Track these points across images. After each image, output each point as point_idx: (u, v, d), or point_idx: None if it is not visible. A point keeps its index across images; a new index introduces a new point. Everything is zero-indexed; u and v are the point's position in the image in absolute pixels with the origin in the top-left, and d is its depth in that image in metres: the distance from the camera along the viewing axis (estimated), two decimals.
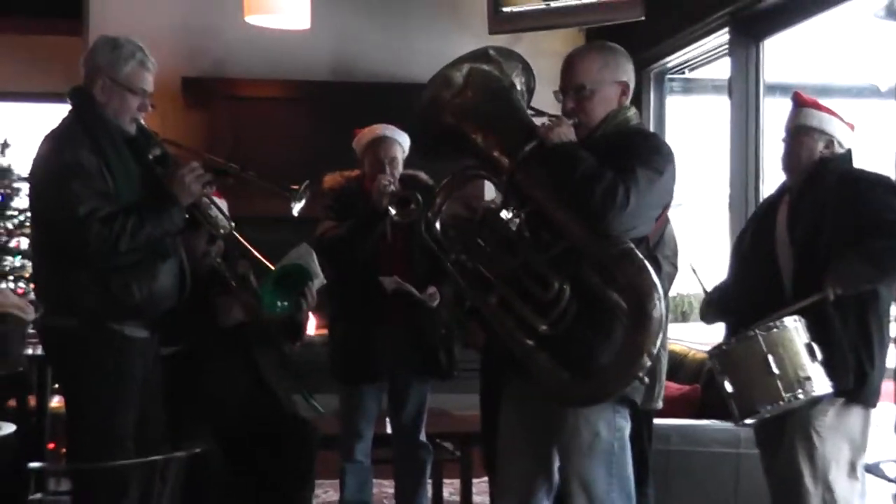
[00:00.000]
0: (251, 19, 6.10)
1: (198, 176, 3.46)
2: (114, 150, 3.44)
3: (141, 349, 3.54)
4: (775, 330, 3.40)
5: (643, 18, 5.89)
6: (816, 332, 3.43)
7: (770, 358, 3.38)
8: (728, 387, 3.48)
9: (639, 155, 2.97)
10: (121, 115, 3.48)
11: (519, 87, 3.14)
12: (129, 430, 3.49)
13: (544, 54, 4.44)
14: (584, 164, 2.91)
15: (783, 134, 3.73)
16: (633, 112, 3.17)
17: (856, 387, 3.47)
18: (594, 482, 3.03)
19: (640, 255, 2.90)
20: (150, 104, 3.53)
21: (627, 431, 3.11)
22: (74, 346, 3.50)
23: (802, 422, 3.50)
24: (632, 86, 3.16)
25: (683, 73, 6.64)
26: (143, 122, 3.59)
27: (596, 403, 2.99)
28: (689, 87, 6.82)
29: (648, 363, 2.85)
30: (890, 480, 3.15)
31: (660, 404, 4.15)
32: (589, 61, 3.12)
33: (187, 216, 3.52)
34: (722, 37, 5.75)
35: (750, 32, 5.54)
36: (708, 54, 6.19)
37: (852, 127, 3.70)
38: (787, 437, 3.54)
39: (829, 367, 3.42)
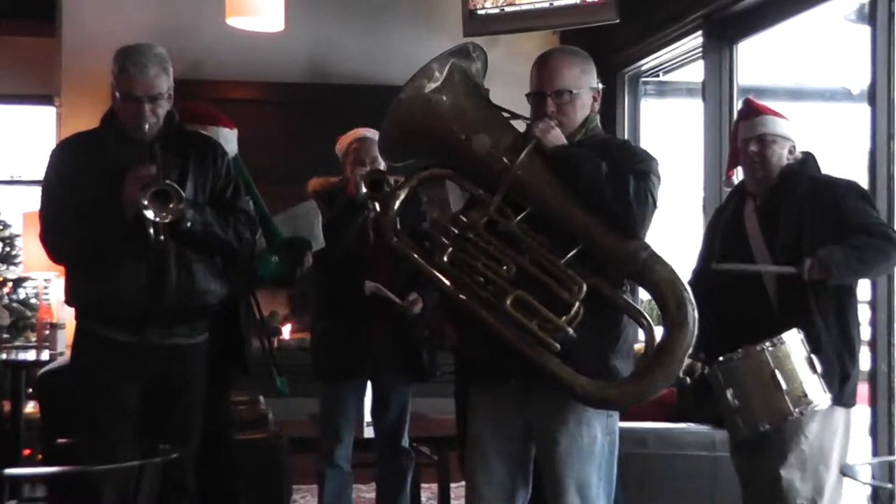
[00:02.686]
0: (233, 21, 6.08)
1: (135, 179, 3.36)
2: (105, 155, 3.46)
3: (121, 351, 3.51)
4: (780, 344, 3.42)
5: (617, 21, 5.92)
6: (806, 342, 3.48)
7: (778, 373, 3.41)
8: (732, 401, 3.49)
9: (643, 161, 3.02)
10: (126, 122, 3.49)
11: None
12: (109, 433, 3.47)
13: (519, 57, 4.46)
14: (599, 168, 2.91)
15: (746, 143, 3.72)
16: (598, 119, 3.21)
17: (839, 389, 3.52)
18: (589, 486, 3.04)
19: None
20: (150, 109, 3.44)
21: (616, 433, 3.13)
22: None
23: (791, 427, 3.51)
24: (601, 92, 3.21)
25: (657, 76, 6.67)
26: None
27: (639, 404, 3.02)
28: (663, 90, 6.85)
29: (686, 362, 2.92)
30: (864, 483, 3.18)
31: None
32: (570, 66, 3.11)
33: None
34: (695, 40, 5.78)
35: (723, 36, 5.58)
36: (682, 57, 6.22)
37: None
38: (774, 442, 3.56)
39: (821, 375, 3.46)
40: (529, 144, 2.93)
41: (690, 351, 2.94)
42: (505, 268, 2.91)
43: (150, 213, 3.30)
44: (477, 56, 3.07)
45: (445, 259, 2.95)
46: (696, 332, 2.92)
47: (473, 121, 3.00)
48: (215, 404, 3.93)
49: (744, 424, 3.50)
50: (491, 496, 3.11)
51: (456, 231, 2.94)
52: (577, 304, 2.88)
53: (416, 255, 3.00)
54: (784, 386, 3.41)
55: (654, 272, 2.91)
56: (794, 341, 3.44)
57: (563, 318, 2.89)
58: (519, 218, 2.93)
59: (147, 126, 3.45)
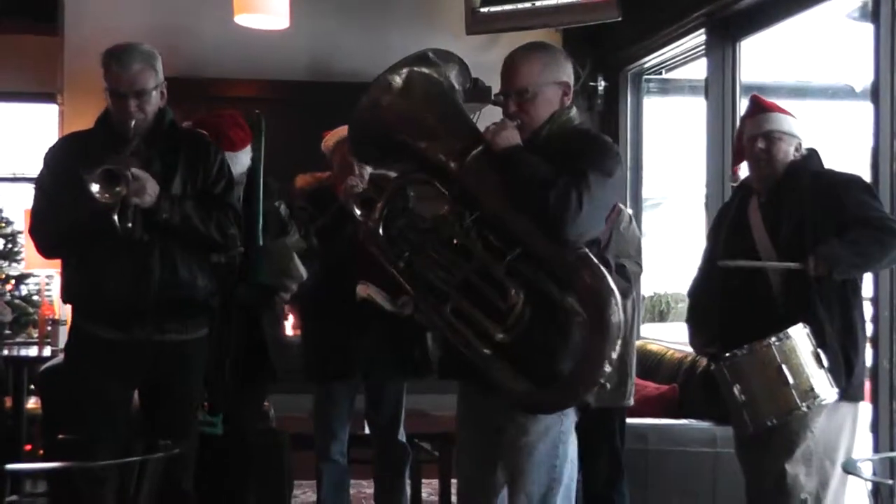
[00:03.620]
0: (240, 19, 6.08)
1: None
2: (91, 154, 3.45)
3: (110, 349, 3.50)
4: (786, 339, 3.44)
5: (620, 19, 5.91)
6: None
7: (784, 367, 3.42)
8: (739, 396, 3.50)
9: (588, 157, 2.94)
10: (118, 118, 3.51)
11: (458, 88, 3.11)
12: (92, 431, 3.46)
13: None
14: (535, 169, 2.89)
15: (753, 139, 3.74)
16: (574, 112, 3.13)
17: (846, 384, 3.53)
18: (534, 484, 3.01)
19: (596, 261, 2.88)
20: (136, 104, 3.47)
21: (572, 434, 3.09)
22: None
23: (798, 422, 3.52)
24: (572, 85, 3.13)
25: (660, 73, 6.66)
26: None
27: (562, 409, 2.99)
28: (666, 87, 6.85)
29: (609, 368, 2.84)
30: (865, 479, 3.18)
31: (631, 401, 4.17)
32: (530, 63, 3.08)
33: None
34: (698, 38, 5.78)
35: (726, 33, 5.58)
36: (684, 55, 6.22)
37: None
38: (779, 437, 3.56)
39: (828, 370, 3.47)
40: (477, 148, 2.94)
41: (618, 349, 2.87)
42: (451, 274, 2.95)
43: (94, 188, 3.28)
44: (441, 60, 3.07)
45: (402, 265, 3.01)
46: (622, 330, 2.86)
47: (432, 126, 3.02)
48: (239, 407, 3.95)
49: (751, 420, 3.50)
50: (467, 487, 3.21)
51: (412, 237, 3.01)
52: (516, 308, 2.87)
53: (388, 263, 3.05)
54: (791, 380, 3.42)
55: (579, 277, 2.87)
56: (800, 336, 3.45)
57: (507, 321, 2.88)
58: (469, 221, 2.94)
59: (133, 122, 3.46)
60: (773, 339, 3.44)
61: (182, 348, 3.60)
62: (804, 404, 3.43)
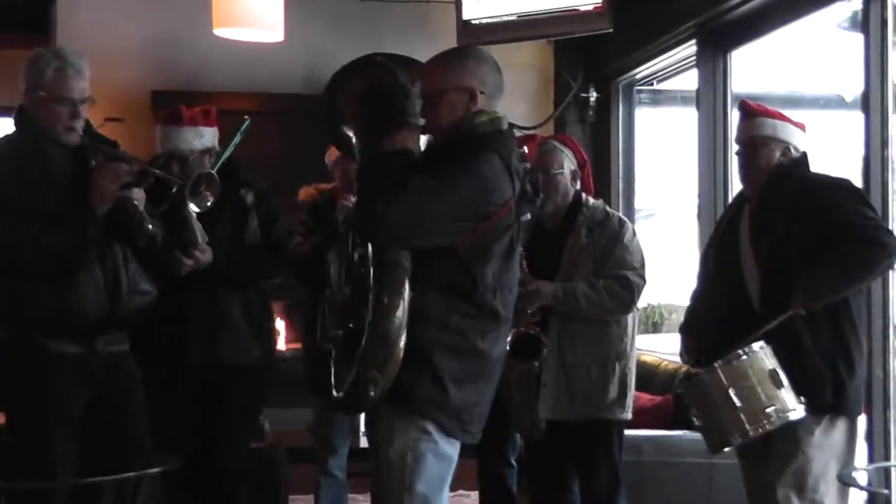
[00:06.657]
0: (220, 32, 6.08)
1: (113, 178, 3.38)
2: (37, 162, 3.42)
3: (74, 365, 3.46)
4: (736, 361, 3.37)
5: (611, 30, 5.93)
6: (788, 351, 3.41)
7: (731, 391, 3.35)
8: (696, 419, 3.49)
9: (431, 164, 2.89)
10: (51, 125, 3.45)
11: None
12: (56, 449, 3.42)
13: (513, 66, 4.47)
14: (385, 172, 2.83)
15: (737, 146, 3.75)
16: (485, 119, 2.96)
17: (835, 399, 3.46)
18: (388, 497, 2.99)
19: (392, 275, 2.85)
20: (82, 111, 3.45)
21: (428, 453, 2.98)
22: (2, 360, 3.54)
23: (790, 440, 3.47)
24: (482, 90, 2.97)
25: (651, 84, 6.68)
26: (85, 132, 3.54)
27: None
28: (658, 98, 6.86)
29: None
30: (862, 489, 3.17)
31: (629, 415, 4.17)
32: (434, 68, 3.01)
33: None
34: (689, 48, 5.80)
35: (717, 44, 5.59)
36: (676, 66, 6.24)
37: (803, 127, 3.73)
38: (773, 454, 3.52)
39: (805, 385, 3.40)
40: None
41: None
42: None
43: (195, 205, 3.45)
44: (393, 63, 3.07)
45: None
46: (395, 345, 2.87)
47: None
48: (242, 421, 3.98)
49: (708, 442, 3.50)
50: None
51: None
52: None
53: None
54: (738, 403, 3.35)
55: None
56: (754, 357, 3.38)
57: None
58: None
59: (78, 129, 3.45)
60: (721, 361, 3.38)
61: (126, 360, 3.61)
62: (752, 428, 3.35)
